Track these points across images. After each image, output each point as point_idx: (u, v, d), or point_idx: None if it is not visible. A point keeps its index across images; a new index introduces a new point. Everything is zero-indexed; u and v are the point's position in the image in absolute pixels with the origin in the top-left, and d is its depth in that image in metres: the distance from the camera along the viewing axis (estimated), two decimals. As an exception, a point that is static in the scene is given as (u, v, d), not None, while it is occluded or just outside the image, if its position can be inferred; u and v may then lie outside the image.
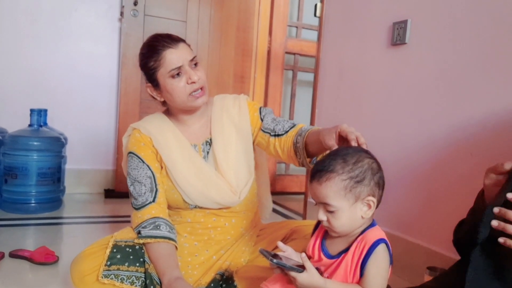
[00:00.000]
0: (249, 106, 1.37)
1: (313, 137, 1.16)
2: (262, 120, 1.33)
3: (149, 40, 1.26)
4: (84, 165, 2.76)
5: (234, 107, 1.36)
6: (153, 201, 1.24)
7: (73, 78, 2.71)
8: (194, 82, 1.22)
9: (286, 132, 1.27)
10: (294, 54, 3.31)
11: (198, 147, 1.32)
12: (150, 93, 1.29)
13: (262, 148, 1.37)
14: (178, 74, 1.21)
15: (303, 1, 3.35)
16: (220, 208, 1.29)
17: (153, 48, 1.22)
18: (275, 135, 1.29)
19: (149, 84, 1.28)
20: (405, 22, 1.69)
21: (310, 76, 3.25)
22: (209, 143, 1.33)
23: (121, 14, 2.75)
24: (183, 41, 1.26)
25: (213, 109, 1.36)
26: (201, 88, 1.25)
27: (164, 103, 1.33)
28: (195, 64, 1.25)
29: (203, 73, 1.25)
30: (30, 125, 2.28)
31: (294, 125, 1.28)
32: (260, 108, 1.36)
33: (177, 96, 1.23)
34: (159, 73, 1.22)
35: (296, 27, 3.35)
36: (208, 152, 1.32)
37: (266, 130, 1.31)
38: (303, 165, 1.24)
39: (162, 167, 1.29)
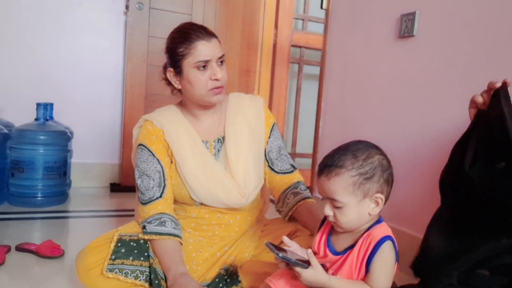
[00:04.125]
0: (266, 113, 1.38)
1: (302, 217, 1.30)
2: (268, 142, 1.37)
3: (183, 27, 1.25)
4: (90, 159, 2.77)
5: (250, 108, 1.36)
6: (160, 196, 1.23)
7: (79, 72, 2.71)
8: (217, 80, 1.22)
9: (283, 173, 1.36)
10: (300, 47, 3.28)
11: (210, 143, 1.31)
12: (170, 78, 1.27)
13: None
14: (204, 67, 1.21)
15: (309, -7, 3.31)
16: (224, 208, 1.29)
17: (186, 35, 1.21)
18: (270, 167, 1.36)
19: (171, 69, 1.26)
20: (413, 14, 1.66)
21: (316, 70, 3.22)
22: (221, 141, 1.32)
23: (126, 7, 2.74)
24: (216, 37, 1.25)
25: (228, 106, 1.35)
26: (221, 87, 1.24)
27: (179, 92, 1.32)
28: (221, 62, 1.25)
29: (226, 73, 1.25)
30: (36, 119, 2.28)
31: (291, 171, 1.38)
32: (273, 126, 1.38)
33: (197, 89, 1.23)
34: (186, 61, 1.21)
35: (302, 19, 3.32)
36: (219, 150, 1.31)
37: (267, 157, 1.36)
38: (278, 211, 1.39)
39: (172, 162, 1.28)
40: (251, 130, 1.33)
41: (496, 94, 0.94)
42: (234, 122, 1.33)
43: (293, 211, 1.31)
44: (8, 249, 1.56)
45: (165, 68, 1.31)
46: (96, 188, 2.77)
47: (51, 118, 2.43)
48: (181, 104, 1.35)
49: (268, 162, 1.36)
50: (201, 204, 1.28)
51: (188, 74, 1.22)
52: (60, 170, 2.32)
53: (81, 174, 2.71)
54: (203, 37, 1.21)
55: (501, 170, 0.92)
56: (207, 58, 1.20)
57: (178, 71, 1.24)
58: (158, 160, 1.26)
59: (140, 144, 1.28)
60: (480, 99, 0.99)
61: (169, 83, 1.32)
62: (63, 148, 2.34)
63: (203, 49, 1.20)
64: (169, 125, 1.28)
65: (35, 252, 1.55)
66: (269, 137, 1.37)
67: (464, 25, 1.47)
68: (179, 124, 1.30)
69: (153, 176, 1.24)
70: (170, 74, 1.27)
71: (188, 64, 1.21)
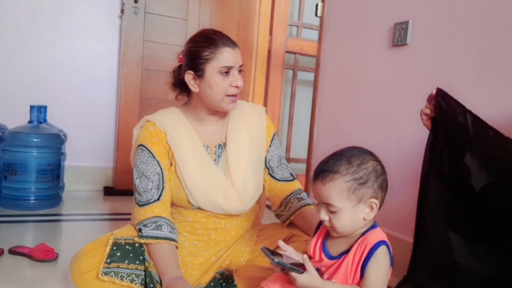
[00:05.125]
0: (267, 122, 1.40)
1: (306, 219, 1.30)
2: (268, 150, 1.38)
3: (207, 32, 1.28)
4: (83, 162, 2.76)
5: (252, 116, 1.38)
6: (158, 199, 1.23)
7: (73, 75, 2.70)
8: (237, 87, 1.25)
9: (284, 181, 1.38)
10: (294, 53, 3.31)
11: (211, 149, 1.32)
12: (188, 81, 1.27)
13: None
14: (226, 73, 1.23)
15: (304, 0, 3.34)
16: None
17: (212, 40, 1.23)
18: (271, 175, 1.38)
19: (191, 72, 1.26)
20: (406, 23, 1.69)
21: (310, 76, 3.25)
22: (222, 147, 1.33)
23: (122, 11, 2.74)
24: (238, 47, 1.28)
25: (231, 113, 1.36)
26: (237, 95, 1.27)
27: (185, 97, 1.33)
28: (240, 71, 1.28)
29: (243, 82, 1.27)
30: (29, 122, 2.27)
31: (292, 179, 1.40)
32: (274, 135, 1.40)
33: (216, 93, 1.24)
34: (210, 65, 1.22)
35: (297, 26, 3.35)
36: (219, 156, 1.32)
37: (267, 165, 1.38)
38: (277, 215, 1.40)
39: (171, 164, 1.28)
40: (252, 138, 1.35)
41: (436, 99, 1.09)
42: (236, 129, 1.34)
43: (296, 214, 1.32)
44: (1, 252, 1.54)
45: (175, 71, 1.33)
46: (90, 192, 2.75)
47: (45, 120, 2.42)
48: (186, 107, 1.35)
49: (269, 170, 1.38)
50: (198, 208, 1.28)
51: (211, 78, 1.23)
52: (54, 173, 2.30)
53: (74, 177, 2.70)
54: (228, 44, 1.24)
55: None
56: (230, 65, 1.23)
57: (200, 75, 1.24)
58: (158, 162, 1.26)
59: (141, 145, 1.28)
60: (427, 110, 1.12)
61: (174, 88, 1.33)
62: (57, 151, 2.33)
63: (228, 56, 1.23)
64: (172, 128, 1.28)
65: (28, 255, 1.54)
66: (270, 146, 1.39)
67: (456, 34, 1.50)
68: (182, 128, 1.30)
69: (152, 178, 1.25)
70: (189, 77, 1.27)
71: (211, 68, 1.23)
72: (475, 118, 1.03)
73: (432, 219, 1.13)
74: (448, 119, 1.07)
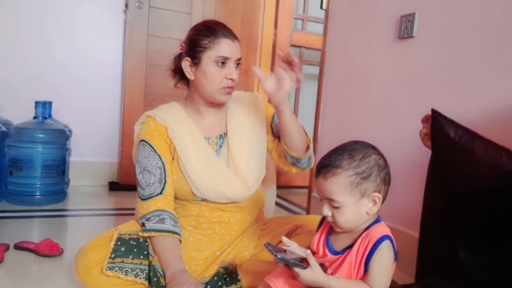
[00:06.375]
0: (266, 107, 1.39)
1: (281, 130, 1.27)
2: (272, 121, 1.37)
3: (209, 22, 1.29)
4: (88, 157, 2.77)
5: (250, 105, 1.38)
6: (161, 193, 1.24)
7: (78, 70, 2.71)
8: (232, 80, 1.25)
9: None
10: (299, 47, 3.28)
11: (212, 140, 1.33)
12: (184, 67, 1.28)
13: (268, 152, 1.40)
14: (222, 63, 1.24)
15: (309, -7, 3.32)
16: (226, 203, 1.29)
17: (212, 30, 1.25)
18: (278, 138, 1.36)
19: (188, 59, 1.27)
20: (412, 15, 1.67)
21: (315, 69, 3.22)
22: (223, 137, 1.33)
23: (126, 6, 2.74)
24: (238, 40, 1.29)
25: (229, 104, 1.37)
26: (233, 87, 1.28)
27: (184, 85, 1.34)
28: (238, 65, 1.28)
29: (238, 76, 1.28)
30: (35, 117, 2.28)
31: None
32: (274, 114, 1.39)
33: (211, 84, 1.25)
34: (207, 54, 1.23)
35: (302, 19, 3.32)
36: (221, 146, 1.33)
37: (272, 124, 1.37)
38: (289, 163, 1.33)
39: (173, 158, 1.29)
40: (252, 124, 1.35)
41: (432, 120, 1.09)
42: (236, 118, 1.35)
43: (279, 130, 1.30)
44: (7, 247, 1.55)
45: (176, 58, 1.34)
46: (95, 187, 2.77)
47: (50, 116, 2.43)
48: (186, 100, 1.37)
49: (273, 130, 1.37)
50: (202, 200, 1.28)
51: (206, 67, 1.24)
52: (59, 169, 2.31)
53: (79, 172, 2.71)
54: (228, 35, 1.25)
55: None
56: (227, 56, 1.24)
57: (196, 62, 1.25)
58: (159, 156, 1.26)
59: (142, 140, 1.29)
60: (425, 130, 1.12)
61: (174, 75, 1.34)
62: (62, 147, 2.34)
63: (226, 47, 1.23)
64: (172, 122, 1.29)
65: (34, 250, 1.55)
66: (272, 119, 1.37)
67: (464, 26, 1.47)
68: (182, 121, 1.31)
69: (154, 172, 1.25)
70: (186, 64, 1.28)
71: (208, 57, 1.23)
72: (471, 133, 1.03)
73: (438, 231, 1.11)
74: (445, 138, 1.06)
